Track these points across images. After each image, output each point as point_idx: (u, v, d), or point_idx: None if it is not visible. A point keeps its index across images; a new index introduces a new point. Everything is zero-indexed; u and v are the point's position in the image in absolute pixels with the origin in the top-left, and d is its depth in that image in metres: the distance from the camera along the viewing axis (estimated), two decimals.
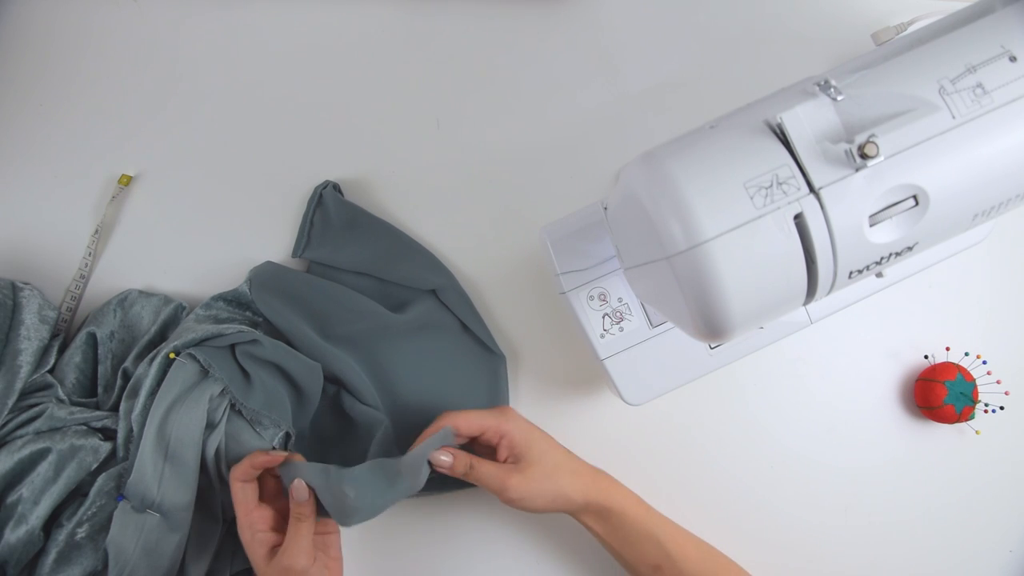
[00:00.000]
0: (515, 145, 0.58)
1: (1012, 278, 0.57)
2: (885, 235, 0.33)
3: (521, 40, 0.59)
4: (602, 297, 0.46)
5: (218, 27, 0.60)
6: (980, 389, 0.53)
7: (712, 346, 0.47)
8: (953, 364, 0.54)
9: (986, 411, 0.53)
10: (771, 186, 0.31)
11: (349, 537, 0.52)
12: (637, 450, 0.55)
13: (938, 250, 0.49)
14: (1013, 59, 0.33)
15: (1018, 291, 0.57)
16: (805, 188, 0.31)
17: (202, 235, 0.57)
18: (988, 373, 0.54)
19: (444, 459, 0.44)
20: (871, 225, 0.33)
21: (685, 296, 0.33)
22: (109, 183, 0.57)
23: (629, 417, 0.55)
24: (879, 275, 0.38)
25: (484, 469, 0.45)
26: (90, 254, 0.56)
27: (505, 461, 0.46)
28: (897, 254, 0.34)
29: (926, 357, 0.55)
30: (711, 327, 0.33)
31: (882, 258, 0.34)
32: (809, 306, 0.48)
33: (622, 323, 0.46)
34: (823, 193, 0.31)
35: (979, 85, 0.33)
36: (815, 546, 0.54)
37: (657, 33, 0.60)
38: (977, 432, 0.54)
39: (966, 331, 0.56)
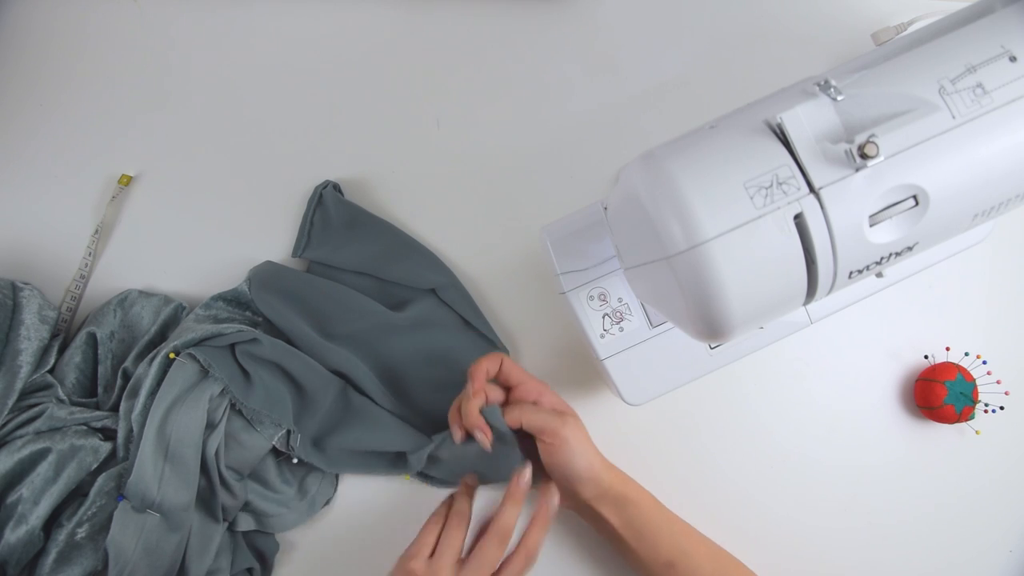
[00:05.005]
0: (515, 144, 0.58)
1: (1012, 278, 0.57)
2: (885, 235, 0.33)
3: (521, 40, 0.59)
4: (602, 297, 0.46)
5: (218, 27, 0.60)
6: (980, 389, 0.53)
7: (712, 346, 0.47)
8: (953, 364, 0.54)
9: (986, 411, 0.53)
10: (771, 186, 0.31)
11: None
12: (637, 450, 0.54)
13: (938, 250, 0.49)
14: (1013, 59, 0.33)
15: (1018, 291, 0.57)
16: (805, 188, 0.31)
17: (202, 235, 0.57)
18: (988, 373, 0.54)
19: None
20: (871, 225, 0.33)
21: (685, 296, 0.33)
22: (109, 183, 0.57)
23: (630, 417, 0.55)
24: (879, 275, 0.38)
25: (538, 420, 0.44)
26: (90, 254, 0.56)
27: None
28: (897, 254, 0.34)
29: (926, 357, 0.55)
30: (711, 327, 0.33)
31: (882, 258, 0.34)
32: (809, 306, 0.48)
33: (622, 323, 0.46)
34: (823, 193, 0.31)
35: (979, 85, 0.33)
36: (814, 546, 0.54)
37: (657, 33, 0.59)
38: (977, 432, 0.54)
39: (966, 331, 0.56)
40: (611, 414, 0.55)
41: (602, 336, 0.46)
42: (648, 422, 0.55)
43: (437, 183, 0.58)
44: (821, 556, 0.54)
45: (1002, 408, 0.53)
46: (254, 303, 0.53)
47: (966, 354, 0.55)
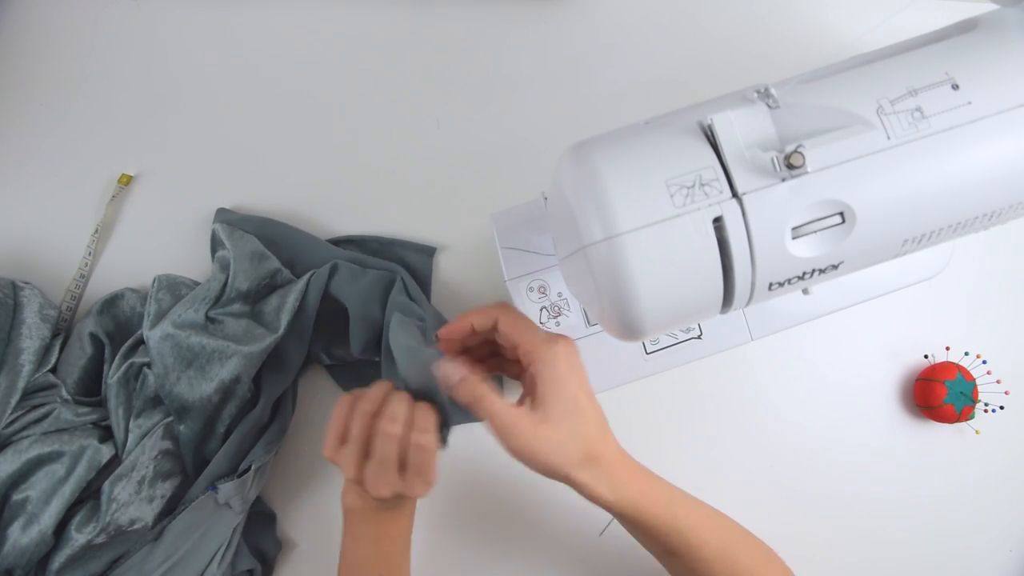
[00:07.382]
0: (515, 143, 0.58)
1: (1012, 278, 0.57)
2: (808, 249, 0.33)
3: (521, 40, 0.59)
4: (542, 290, 0.46)
5: (218, 27, 0.60)
6: (980, 389, 0.53)
7: (648, 351, 0.47)
8: (953, 364, 0.53)
9: (986, 411, 0.53)
10: (693, 186, 0.31)
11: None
12: (633, 449, 0.54)
13: (890, 280, 0.48)
14: (956, 87, 0.32)
15: (1018, 291, 0.57)
16: (728, 192, 0.31)
17: (202, 235, 0.57)
18: (988, 373, 0.54)
19: (452, 374, 0.37)
20: (794, 238, 0.32)
21: (599, 288, 0.32)
22: (109, 183, 0.57)
23: (624, 415, 0.54)
24: (805, 291, 0.38)
25: (493, 406, 0.36)
26: (90, 254, 0.56)
27: (524, 393, 0.38)
28: (821, 271, 0.34)
29: (926, 357, 0.55)
30: (623, 323, 0.33)
31: (804, 273, 0.33)
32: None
33: (559, 318, 0.46)
34: (745, 199, 0.31)
35: (918, 109, 0.32)
36: (814, 546, 0.54)
37: (654, 33, 0.60)
38: (977, 432, 0.54)
39: (966, 331, 0.56)
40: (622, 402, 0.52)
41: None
42: (645, 418, 0.54)
43: (437, 182, 0.58)
44: (821, 556, 0.54)
45: (1002, 408, 0.53)
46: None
47: (966, 354, 0.55)
